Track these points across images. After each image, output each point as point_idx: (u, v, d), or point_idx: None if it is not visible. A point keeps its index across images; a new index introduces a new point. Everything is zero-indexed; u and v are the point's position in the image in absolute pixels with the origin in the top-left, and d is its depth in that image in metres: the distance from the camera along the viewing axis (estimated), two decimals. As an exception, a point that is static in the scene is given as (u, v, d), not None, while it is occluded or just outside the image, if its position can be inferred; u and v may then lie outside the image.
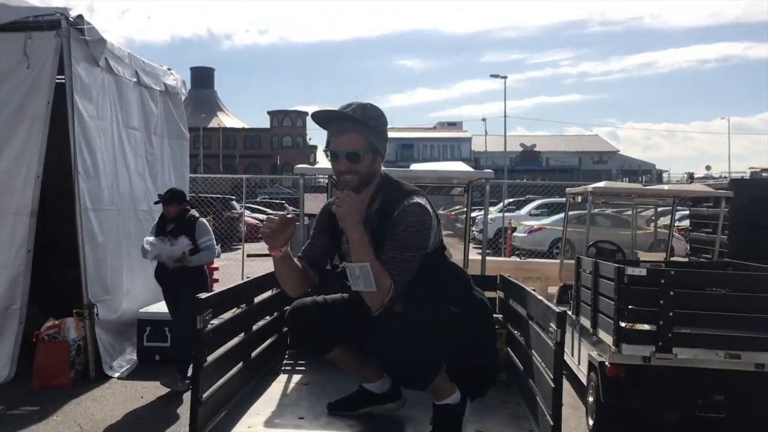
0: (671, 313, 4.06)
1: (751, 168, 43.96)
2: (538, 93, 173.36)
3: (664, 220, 21.18)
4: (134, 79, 6.80)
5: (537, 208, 22.12)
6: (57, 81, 5.69)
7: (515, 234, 17.99)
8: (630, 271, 4.16)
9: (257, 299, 3.30)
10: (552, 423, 2.28)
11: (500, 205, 25.95)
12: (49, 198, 6.01)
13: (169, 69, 7.91)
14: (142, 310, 6.40)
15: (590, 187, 5.94)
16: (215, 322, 2.59)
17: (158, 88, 7.39)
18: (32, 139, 5.59)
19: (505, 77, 45.03)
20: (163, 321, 6.18)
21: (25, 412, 4.93)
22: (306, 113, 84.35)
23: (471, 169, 6.26)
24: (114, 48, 6.31)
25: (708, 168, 60.31)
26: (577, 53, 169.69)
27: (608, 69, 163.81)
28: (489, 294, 3.86)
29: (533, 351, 2.79)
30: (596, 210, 16.26)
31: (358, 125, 2.60)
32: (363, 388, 2.93)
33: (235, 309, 3.08)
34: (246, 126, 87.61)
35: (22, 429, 4.58)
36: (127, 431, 4.69)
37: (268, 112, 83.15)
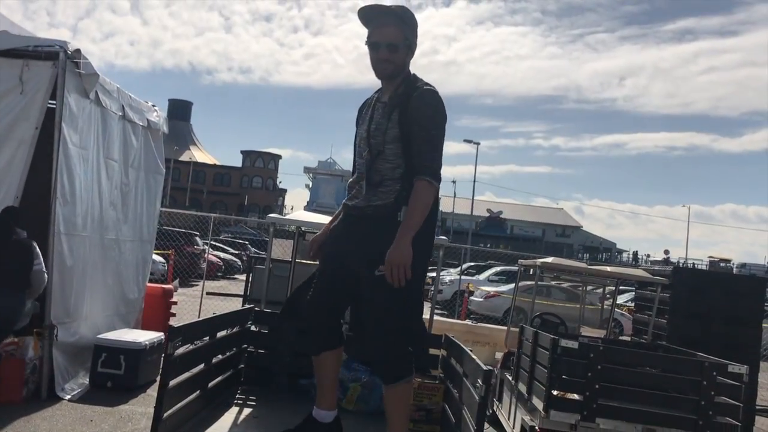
0: (597, 386, 4.42)
1: (710, 257, 45.22)
2: (510, 161, 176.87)
3: (622, 298, 21.69)
4: (120, 113, 7.08)
5: (496, 274, 22.57)
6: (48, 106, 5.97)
7: (472, 298, 18.34)
8: (563, 343, 4.52)
9: (219, 335, 3.58)
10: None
11: (459, 268, 26.43)
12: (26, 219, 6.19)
13: (153, 105, 8.22)
14: (99, 336, 6.54)
15: (539, 261, 6.35)
16: (180, 351, 2.87)
17: (141, 124, 7.68)
18: (16, 161, 5.82)
19: (478, 143, 46.22)
20: (120, 349, 6.36)
21: (-28, 424, 5.04)
22: (279, 156, 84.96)
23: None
24: (105, 82, 6.61)
25: (666, 252, 62.06)
26: (551, 127, 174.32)
27: (579, 145, 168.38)
28: (433, 351, 4.21)
29: (464, 406, 3.10)
30: (553, 282, 16.82)
31: (398, 21, 3.08)
32: (311, 416, 3.18)
33: (198, 342, 3.35)
34: (217, 162, 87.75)
35: (-32, 442, 4.70)
36: (75, 452, 4.83)
37: (242, 151, 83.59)
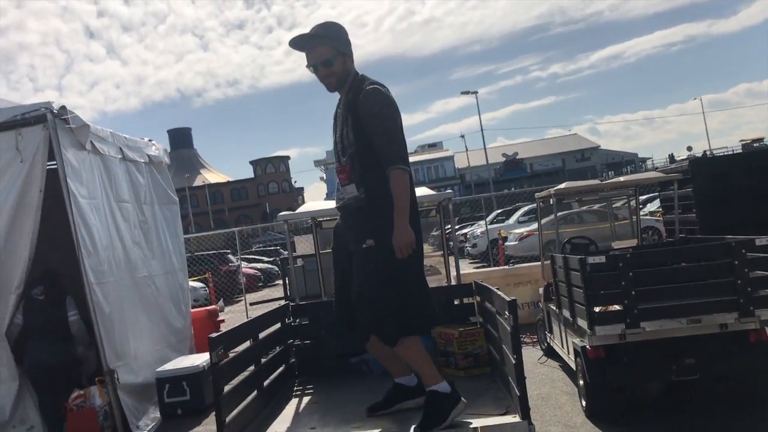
0: (633, 292, 4.50)
1: (741, 141, 44.36)
2: (513, 101, 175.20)
3: (651, 207, 21.62)
4: (119, 156, 7.23)
5: (524, 214, 22.57)
6: (48, 167, 6.14)
7: (506, 243, 18.41)
8: (591, 260, 4.60)
9: (261, 335, 3.73)
10: (518, 393, 2.71)
11: (490, 218, 26.45)
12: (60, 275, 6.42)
13: (150, 140, 8.36)
14: (159, 369, 6.77)
15: (552, 190, 6.41)
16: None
17: (142, 160, 7.83)
18: (26, 228, 6.00)
19: (475, 92, 45.94)
20: (181, 376, 6.59)
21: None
22: (288, 157, 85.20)
23: (432, 193, 6.72)
24: (97, 130, 6.76)
25: (689, 149, 61.13)
26: (544, 56, 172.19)
27: (577, 67, 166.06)
28: (467, 300, 4.33)
29: (502, 341, 3.22)
30: (584, 208, 16.79)
31: (323, 39, 3.39)
32: (396, 383, 3.39)
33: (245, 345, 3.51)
34: (231, 179, 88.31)
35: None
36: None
37: (251, 162, 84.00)
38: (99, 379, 6.06)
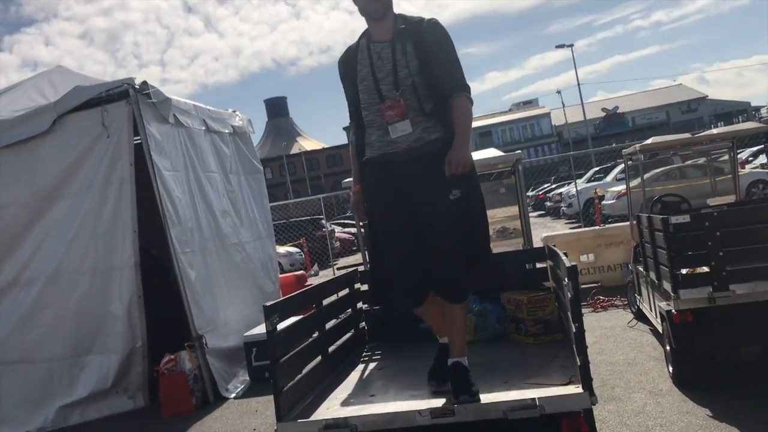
0: (721, 253, 4.22)
1: None
2: (613, 53, 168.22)
3: (763, 159, 20.29)
4: (203, 128, 7.42)
5: (622, 171, 21.76)
6: (135, 142, 6.38)
7: (603, 202, 17.84)
8: (674, 219, 4.34)
9: (326, 301, 3.73)
10: (579, 363, 2.59)
11: (588, 175, 25.61)
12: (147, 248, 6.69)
13: (234, 111, 8.53)
14: (246, 334, 6.97)
15: (638, 146, 6.08)
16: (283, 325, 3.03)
17: (226, 131, 8.01)
18: (123, 199, 6.25)
19: (571, 45, 44.22)
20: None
21: (158, 436, 5.58)
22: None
23: (501, 154, 6.50)
24: (180, 103, 6.94)
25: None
26: (647, 3, 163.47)
27: (683, 13, 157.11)
28: (540, 264, 4.19)
29: (568, 308, 3.08)
30: (688, 162, 15.97)
31: None
32: (443, 344, 3.32)
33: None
34: (326, 146, 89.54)
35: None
36: (246, 441, 5.24)
37: (344, 128, 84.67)
38: (188, 345, 6.31)
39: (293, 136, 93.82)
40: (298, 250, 18.48)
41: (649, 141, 6.18)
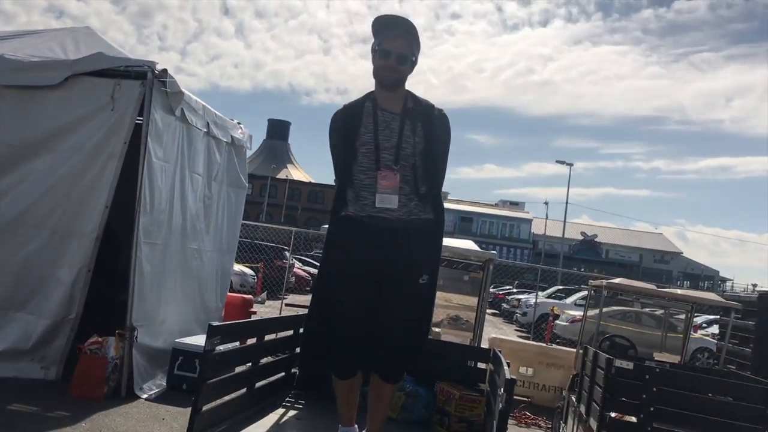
0: (652, 409, 4.31)
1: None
2: (607, 184, 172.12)
3: (715, 329, 20.73)
4: (204, 130, 7.46)
5: (583, 298, 22.07)
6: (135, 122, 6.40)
7: (557, 322, 18.05)
8: (618, 363, 4.43)
9: (268, 337, 3.74)
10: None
11: (549, 291, 25.90)
12: (113, 227, 6.64)
13: (238, 123, 8.60)
14: (177, 340, 6.87)
15: (605, 282, 6.24)
16: (222, 348, 3.05)
17: (225, 140, 8.05)
18: (105, 173, 6.24)
19: (570, 164, 45.31)
20: (195, 353, 6.65)
21: (58, 415, 5.40)
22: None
23: (478, 248, 6.64)
24: (191, 100, 7.00)
25: (775, 283, 58.52)
26: (652, 149, 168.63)
27: (682, 168, 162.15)
28: (480, 365, 4.24)
29: (495, 417, 3.13)
30: (646, 309, 16.24)
31: (410, 36, 3.24)
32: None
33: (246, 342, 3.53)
34: (312, 180, 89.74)
35: (51, 430, 5.07)
36: (144, 446, 5.12)
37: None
38: (119, 332, 6.21)
39: (284, 162, 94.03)
40: (253, 273, 18.35)
41: (617, 280, 6.35)
